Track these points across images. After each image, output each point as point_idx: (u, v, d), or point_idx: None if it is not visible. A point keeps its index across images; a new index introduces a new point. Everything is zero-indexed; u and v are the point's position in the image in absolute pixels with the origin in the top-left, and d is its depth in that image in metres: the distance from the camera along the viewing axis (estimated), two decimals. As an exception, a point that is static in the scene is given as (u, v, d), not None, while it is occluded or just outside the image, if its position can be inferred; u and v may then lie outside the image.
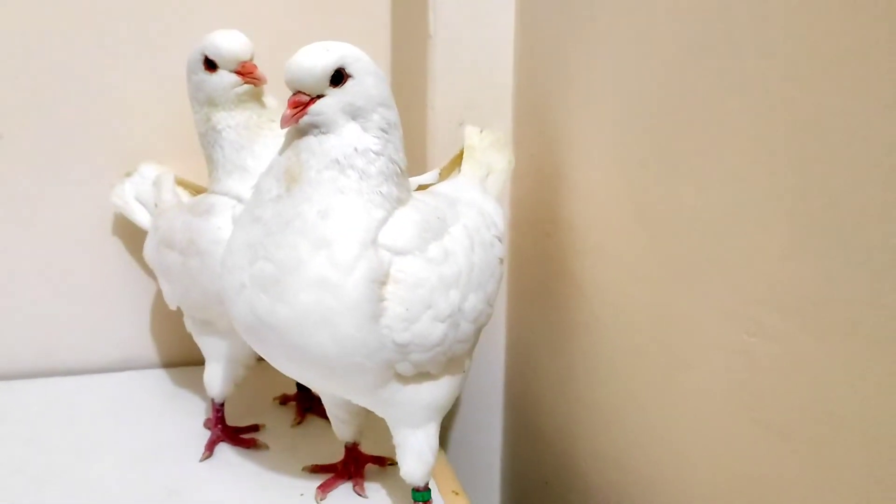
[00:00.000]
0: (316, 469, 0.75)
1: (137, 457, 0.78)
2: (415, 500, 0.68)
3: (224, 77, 0.72)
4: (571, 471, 0.77)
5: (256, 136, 0.73)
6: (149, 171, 0.91)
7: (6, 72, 0.91)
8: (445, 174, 0.77)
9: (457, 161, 0.77)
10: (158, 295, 1.01)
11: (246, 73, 0.72)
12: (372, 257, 0.56)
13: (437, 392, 0.63)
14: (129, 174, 0.92)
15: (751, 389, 0.50)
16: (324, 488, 0.72)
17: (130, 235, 0.98)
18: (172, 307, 0.82)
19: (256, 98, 0.74)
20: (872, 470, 0.42)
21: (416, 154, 0.88)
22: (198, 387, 0.95)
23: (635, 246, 0.63)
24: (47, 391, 0.93)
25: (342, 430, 0.73)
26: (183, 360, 1.04)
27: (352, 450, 0.74)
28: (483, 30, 0.83)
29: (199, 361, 1.03)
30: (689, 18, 0.54)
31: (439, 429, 0.66)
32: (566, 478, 0.79)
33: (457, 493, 0.73)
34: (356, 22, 0.97)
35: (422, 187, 0.71)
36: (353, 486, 0.73)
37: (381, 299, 0.56)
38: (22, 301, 0.97)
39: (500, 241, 0.68)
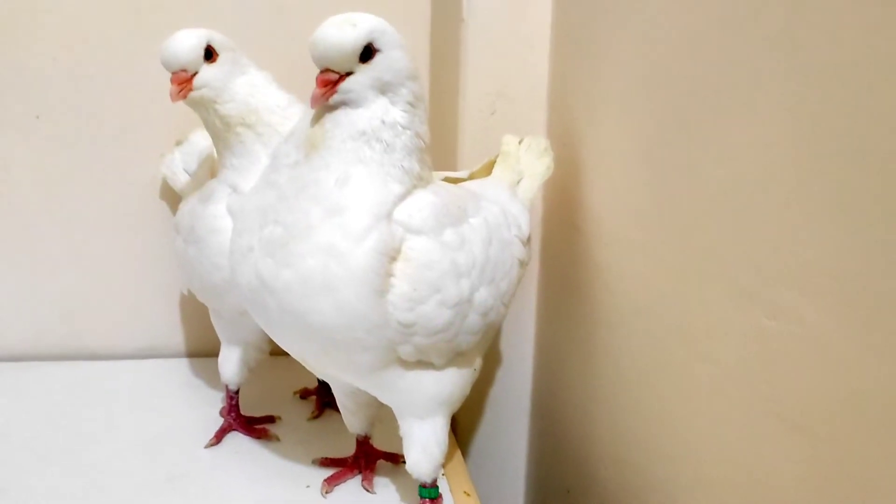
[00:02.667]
0: (326, 462, 0.73)
1: (147, 442, 0.77)
2: (420, 497, 0.65)
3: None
4: (592, 479, 0.73)
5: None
6: (200, 139, 0.86)
7: (43, 54, 0.91)
8: (477, 176, 0.75)
9: (488, 167, 0.76)
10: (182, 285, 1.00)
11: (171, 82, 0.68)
12: (384, 230, 0.54)
13: (441, 384, 0.61)
14: (179, 143, 0.90)
15: (768, 379, 0.46)
16: (330, 481, 0.70)
17: (162, 223, 0.98)
18: (184, 291, 0.80)
19: (204, 105, 0.69)
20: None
21: (447, 143, 0.86)
22: (215, 378, 0.94)
23: (657, 234, 0.60)
24: (71, 374, 0.93)
25: (351, 421, 0.70)
26: (209, 351, 1.03)
27: (363, 443, 0.72)
28: (519, 15, 0.80)
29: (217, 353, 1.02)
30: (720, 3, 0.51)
31: (447, 425, 0.63)
32: (587, 486, 0.75)
33: (468, 494, 0.69)
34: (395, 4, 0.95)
35: (450, 180, 0.70)
36: (362, 480, 0.70)
37: (389, 274, 0.55)
38: (51, 284, 0.98)
39: (522, 243, 0.66)
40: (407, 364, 0.58)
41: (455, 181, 0.71)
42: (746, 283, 0.48)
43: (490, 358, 0.88)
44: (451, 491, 0.69)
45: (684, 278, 0.56)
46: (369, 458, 0.71)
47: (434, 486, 0.64)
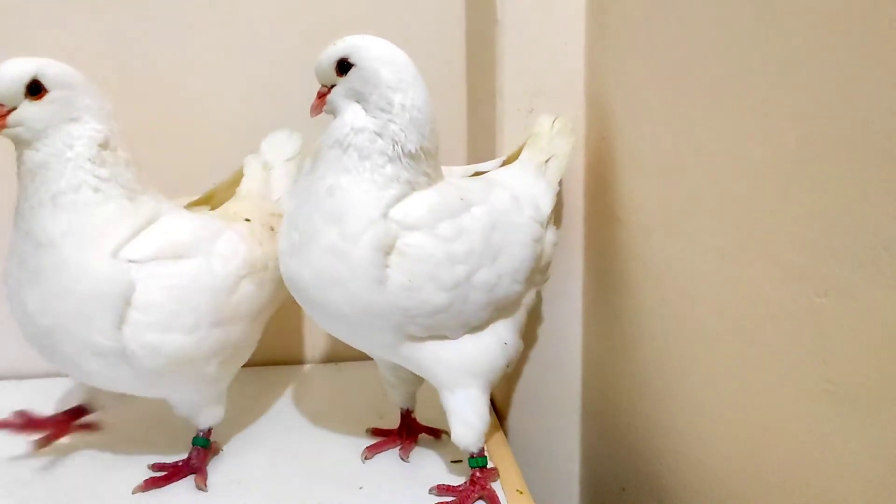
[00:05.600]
0: (376, 432, 0.78)
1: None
2: (470, 467, 0.68)
3: None
4: (648, 475, 0.72)
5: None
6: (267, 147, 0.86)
7: (82, 60, 0.91)
8: (510, 161, 0.77)
9: (520, 151, 0.78)
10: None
11: None
12: (379, 229, 0.60)
13: (463, 355, 0.66)
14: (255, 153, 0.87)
15: (823, 358, 0.45)
16: (372, 449, 0.75)
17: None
18: None
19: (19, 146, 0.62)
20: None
21: (486, 141, 0.86)
22: (257, 385, 0.94)
23: (700, 219, 0.60)
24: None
25: (393, 395, 0.77)
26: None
27: (405, 416, 0.77)
28: (552, 13, 0.80)
29: (257, 363, 1.03)
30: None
31: (483, 397, 0.66)
32: (643, 483, 0.74)
33: (521, 492, 0.69)
34: (430, 5, 0.96)
35: (478, 173, 0.73)
36: (399, 449, 0.75)
37: (386, 266, 0.61)
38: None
39: (538, 223, 0.69)
40: (422, 339, 0.64)
41: (484, 173, 0.74)
42: (795, 262, 0.47)
43: (538, 358, 0.88)
44: (503, 489, 0.69)
45: (730, 261, 0.55)
46: (411, 430, 0.77)
47: (481, 455, 0.68)
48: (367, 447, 0.75)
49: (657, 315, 0.68)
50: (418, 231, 0.61)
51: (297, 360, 1.02)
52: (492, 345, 0.67)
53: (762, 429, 0.53)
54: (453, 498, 0.67)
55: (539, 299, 0.84)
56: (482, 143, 0.88)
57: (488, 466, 0.69)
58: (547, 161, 0.75)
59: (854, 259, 0.42)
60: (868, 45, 0.41)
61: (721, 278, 0.57)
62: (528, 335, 0.86)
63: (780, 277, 0.49)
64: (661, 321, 0.68)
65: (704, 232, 0.59)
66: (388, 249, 0.61)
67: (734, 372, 0.56)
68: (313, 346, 1.00)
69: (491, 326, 0.67)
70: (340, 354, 0.96)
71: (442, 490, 0.68)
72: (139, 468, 0.73)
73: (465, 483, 0.68)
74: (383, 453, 0.75)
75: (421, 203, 0.62)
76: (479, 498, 0.67)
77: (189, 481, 0.71)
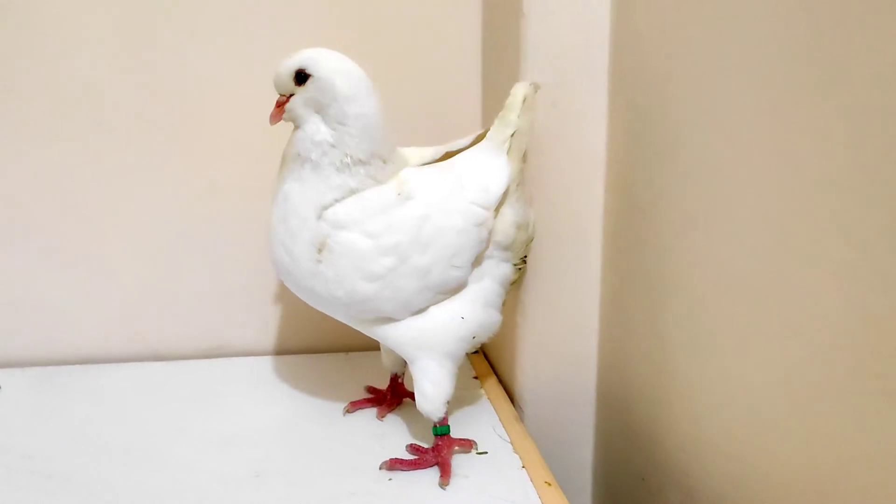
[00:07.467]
0: (368, 390, 0.88)
1: (226, 439, 0.79)
2: (434, 434, 0.74)
3: None
4: (670, 464, 0.73)
5: None
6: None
7: (113, 69, 0.93)
8: (482, 137, 0.77)
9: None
10: (248, 285, 1.02)
11: None
12: (313, 228, 0.69)
13: (412, 330, 0.72)
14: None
15: (876, 356, 0.45)
16: (354, 405, 0.85)
17: (221, 226, 0.99)
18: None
19: None
20: None
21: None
22: (283, 375, 0.95)
23: (741, 214, 0.60)
24: (138, 375, 0.95)
25: (384, 359, 0.85)
26: (271, 350, 1.04)
27: (392, 380, 0.86)
28: (577, 6, 0.80)
29: (284, 351, 1.04)
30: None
31: (440, 369, 0.72)
32: (665, 472, 0.74)
33: (549, 484, 0.70)
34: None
35: (449, 154, 0.77)
36: (377, 409, 0.84)
37: (318, 261, 0.70)
38: (118, 289, 0.99)
39: (484, 206, 0.72)
40: (375, 321, 0.72)
41: (454, 153, 0.76)
42: (848, 258, 0.48)
43: (553, 349, 0.88)
44: (532, 482, 0.70)
45: (775, 259, 0.55)
46: (395, 394, 0.86)
47: (443, 423, 0.74)
48: (350, 402, 0.85)
49: (687, 309, 0.69)
50: (345, 229, 0.69)
51: (325, 349, 1.04)
52: (445, 321, 0.72)
53: (800, 422, 0.54)
54: (414, 457, 0.74)
55: (523, 274, 0.84)
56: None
57: (457, 437, 0.75)
58: (512, 135, 0.75)
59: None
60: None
61: (764, 276, 0.57)
62: (543, 325, 0.87)
63: (831, 274, 0.50)
64: (692, 316, 0.68)
65: (744, 229, 0.59)
66: (319, 246, 0.69)
67: (771, 365, 0.57)
68: (341, 334, 1.02)
69: (442, 305, 0.73)
70: (369, 343, 0.96)
71: (409, 452, 0.76)
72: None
73: (429, 449, 0.74)
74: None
75: (353, 205, 0.70)
76: (435, 464, 0.73)
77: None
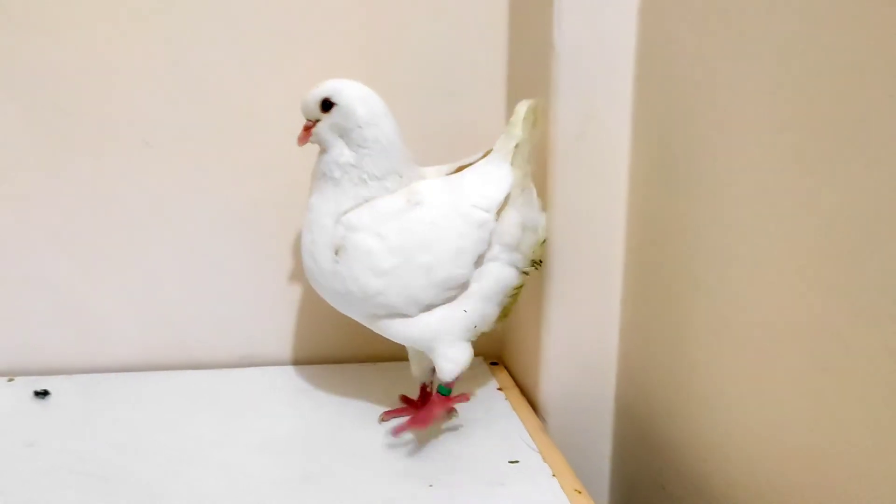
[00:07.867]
0: (402, 399, 0.93)
1: (271, 444, 0.83)
2: (438, 392, 0.84)
3: None
4: (692, 474, 0.78)
5: None
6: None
7: (153, 89, 0.98)
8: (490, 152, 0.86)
9: None
10: (283, 297, 1.06)
11: None
12: (331, 233, 0.80)
13: (425, 327, 0.81)
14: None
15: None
16: (388, 414, 0.90)
17: (260, 238, 1.04)
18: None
19: None
20: None
21: (537, 167, 0.90)
22: (316, 383, 1.00)
23: (769, 224, 0.64)
24: (180, 382, 1.00)
25: (413, 369, 0.91)
26: (308, 359, 1.09)
27: (422, 389, 0.92)
28: (605, 41, 0.85)
29: (321, 360, 1.09)
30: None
31: (453, 348, 0.81)
32: (686, 481, 0.79)
33: (579, 492, 0.74)
34: (474, 32, 1.03)
35: (461, 167, 0.85)
36: (408, 416, 0.87)
37: (336, 262, 0.80)
38: (159, 299, 1.04)
39: (484, 209, 0.80)
40: (390, 316, 0.81)
41: (466, 167, 0.85)
42: (867, 281, 0.52)
43: (573, 362, 0.93)
44: (562, 489, 0.74)
45: (800, 271, 0.59)
46: (426, 402, 0.88)
47: (449, 386, 0.84)
48: (385, 412, 0.90)
49: (712, 329, 0.73)
50: (358, 232, 0.79)
51: (364, 358, 1.09)
52: (449, 315, 0.81)
53: (836, 437, 0.57)
54: (408, 417, 0.84)
55: (532, 277, 0.90)
56: (534, 166, 0.92)
57: (454, 395, 0.84)
58: (516, 146, 0.83)
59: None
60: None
61: (789, 288, 0.61)
62: (566, 337, 0.92)
63: (855, 290, 0.54)
64: (717, 334, 0.72)
65: (768, 240, 0.63)
66: (337, 248, 0.80)
67: (802, 379, 0.60)
68: (369, 344, 1.06)
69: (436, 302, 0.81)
70: (396, 353, 1.01)
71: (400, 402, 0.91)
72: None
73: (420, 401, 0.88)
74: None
75: (367, 211, 0.80)
76: (421, 410, 0.84)
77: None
